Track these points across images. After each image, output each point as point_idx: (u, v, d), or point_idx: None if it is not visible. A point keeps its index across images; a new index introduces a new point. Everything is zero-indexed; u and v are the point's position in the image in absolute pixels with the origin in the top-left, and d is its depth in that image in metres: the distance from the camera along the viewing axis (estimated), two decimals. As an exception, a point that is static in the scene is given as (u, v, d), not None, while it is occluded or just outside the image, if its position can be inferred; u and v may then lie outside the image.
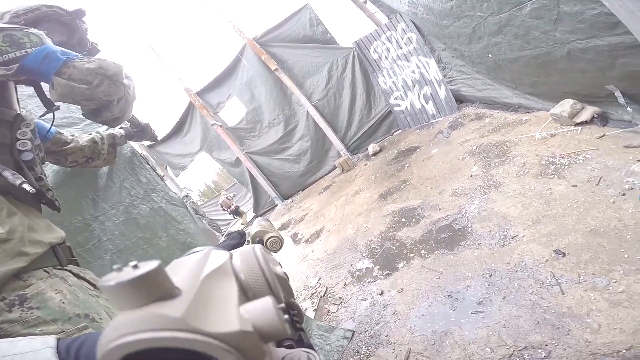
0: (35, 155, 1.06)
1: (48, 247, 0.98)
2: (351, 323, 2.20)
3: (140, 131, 1.74)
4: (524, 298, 1.61)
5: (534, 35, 2.42)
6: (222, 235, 6.75)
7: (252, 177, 6.50)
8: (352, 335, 2.09)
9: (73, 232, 1.50)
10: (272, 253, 0.58)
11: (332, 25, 5.69)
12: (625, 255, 1.49)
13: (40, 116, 1.29)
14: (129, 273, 0.21)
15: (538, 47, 2.50)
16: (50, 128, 1.31)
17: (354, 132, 5.99)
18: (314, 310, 2.54)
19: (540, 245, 1.81)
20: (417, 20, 4.38)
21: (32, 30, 0.99)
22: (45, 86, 1.14)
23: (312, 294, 2.79)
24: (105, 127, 1.81)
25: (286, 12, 5.67)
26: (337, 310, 2.41)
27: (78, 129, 1.73)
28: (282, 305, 0.30)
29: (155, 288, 0.21)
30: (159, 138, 1.93)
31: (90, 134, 1.57)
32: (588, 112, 2.50)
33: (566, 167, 2.22)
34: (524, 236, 1.92)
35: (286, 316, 0.27)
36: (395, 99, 5.52)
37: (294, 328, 0.42)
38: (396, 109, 5.62)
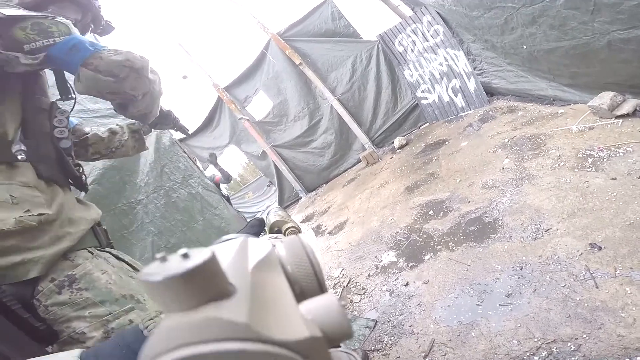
0: (72, 143, 1.06)
1: (90, 224, 1.00)
2: (374, 313, 2.23)
3: (163, 117, 1.60)
4: (555, 291, 1.57)
5: (571, 25, 2.34)
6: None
7: (278, 170, 6.63)
8: (375, 324, 2.12)
9: (119, 214, 1.62)
10: None
11: (354, 18, 5.63)
12: (668, 250, 1.43)
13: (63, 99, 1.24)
14: (179, 264, 0.17)
15: (576, 38, 2.40)
16: (68, 116, 1.28)
17: (379, 126, 5.95)
18: (337, 299, 2.59)
19: (575, 238, 1.75)
20: (444, 12, 4.28)
21: (61, 19, 0.96)
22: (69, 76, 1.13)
23: (335, 284, 2.83)
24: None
25: (308, 6, 5.68)
26: (360, 301, 2.44)
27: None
28: (344, 302, 0.27)
29: (209, 283, 0.17)
30: (190, 132, 1.93)
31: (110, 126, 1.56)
32: (630, 104, 2.36)
33: (605, 160, 2.12)
34: (557, 229, 1.87)
35: (349, 315, 0.25)
36: (422, 92, 5.42)
37: None
38: (423, 102, 5.52)
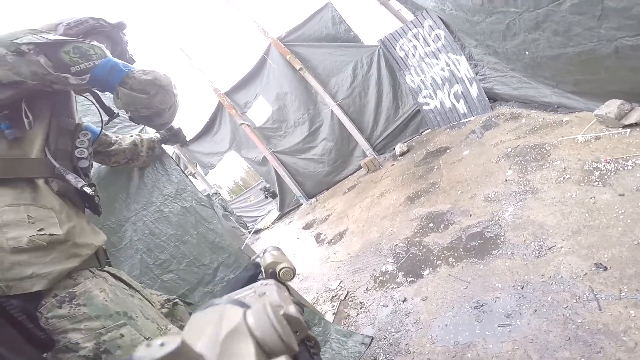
0: (90, 163, 1.17)
1: (96, 249, 1.05)
2: (370, 329, 2.17)
3: (174, 135, 1.86)
4: (556, 313, 1.51)
5: (576, 31, 2.26)
6: (249, 232, 6.91)
7: (278, 176, 6.59)
8: (371, 341, 2.05)
9: (107, 232, 1.58)
10: (285, 282, 0.59)
11: (355, 23, 5.59)
12: (678, 273, 1.35)
13: (105, 123, 1.41)
14: (157, 350, 0.23)
15: (581, 44, 2.32)
16: (100, 132, 1.43)
17: (381, 132, 5.88)
18: (333, 314, 2.52)
19: (579, 257, 1.67)
20: (445, 17, 4.21)
21: (95, 42, 1.08)
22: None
23: (333, 297, 2.77)
24: (139, 130, 1.92)
25: (308, 11, 5.64)
26: (357, 315, 2.38)
27: (112, 132, 1.83)
28: None
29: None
30: (189, 138, 2.03)
31: (132, 136, 1.70)
32: (638, 113, 2.28)
33: (612, 173, 2.04)
34: (562, 247, 1.79)
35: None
36: (424, 97, 5.35)
37: (311, 359, 0.45)
38: (425, 107, 5.45)
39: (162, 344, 0.23)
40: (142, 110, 1.17)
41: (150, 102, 1.14)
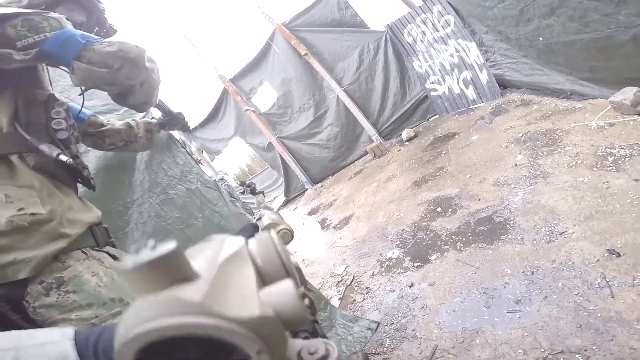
0: (70, 135, 1.06)
1: (86, 227, 0.98)
2: (377, 314, 2.17)
3: (172, 119, 1.74)
4: (567, 299, 1.49)
5: (592, 17, 2.23)
6: (254, 218, 6.94)
7: (284, 162, 6.58)
8: (377, 326, 2.06)
9: (114, 216, 1.56)
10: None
11: (361, 8, 5.48)
12: (694, 260, 1.32)
13: (79, 94, 1.27)
14: (146, 255, 0.20)
15: (598, 31, 2.29)
16: (80, 109, 1.31)
17: (387, 117, 5.81)
18: (339, 299, 2.54)
19: (591, 243, 1.65)
20: (455, 2, 4.16)
21: (52, 14, 0.97)
22: None
23: (338, 282, 2.78)
24: (141, 115, 1.88)
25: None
26: (363, 300, 2.39)
27: (118, 115, 1.80)
28: (302, 289, 0.27)
29: (173, 271, 0.21)
30: (195, 124, 1.97)
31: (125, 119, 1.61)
32: (657, 97, 2.20)
33: (627, 159, 1.99)
34: (573, 233, 1.76)
35: (307, 301, 0.26)
36: (432, 83, 5.25)
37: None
38: (433, 93, 5.35)
39: (153, 247, 0.21)
40: (105, 87, 1.03)
41: (114, 77, 0.99)
